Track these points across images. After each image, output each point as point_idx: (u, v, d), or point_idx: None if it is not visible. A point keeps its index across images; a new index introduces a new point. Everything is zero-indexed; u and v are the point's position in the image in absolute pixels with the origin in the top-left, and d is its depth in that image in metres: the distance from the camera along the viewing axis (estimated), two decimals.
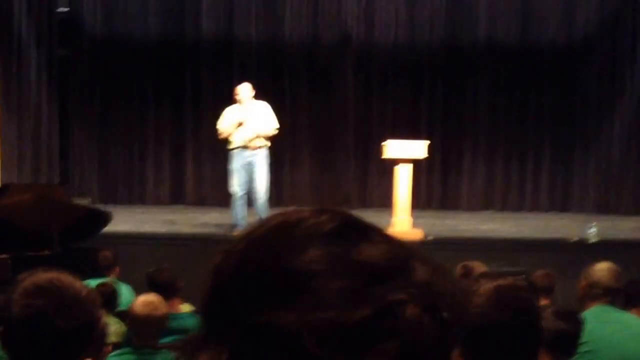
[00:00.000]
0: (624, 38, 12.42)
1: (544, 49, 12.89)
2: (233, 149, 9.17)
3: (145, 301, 3.98)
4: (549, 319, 3.01)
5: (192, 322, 4.54)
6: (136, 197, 12.78)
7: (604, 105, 12.69)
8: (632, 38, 12.27)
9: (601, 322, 3.92)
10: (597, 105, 12.77)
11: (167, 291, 4.82)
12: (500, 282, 2.12)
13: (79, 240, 7.20)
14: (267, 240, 0.81)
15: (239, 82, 12.82)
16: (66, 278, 1.98)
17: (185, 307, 5.25)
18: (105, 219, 7.50)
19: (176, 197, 12.81)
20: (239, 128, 9.02)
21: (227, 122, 9.06)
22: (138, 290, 5.36)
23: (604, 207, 12.46)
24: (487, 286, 2.08)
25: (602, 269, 4.04)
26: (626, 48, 12.37)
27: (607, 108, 12.64)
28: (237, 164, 9.15)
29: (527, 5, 12.94)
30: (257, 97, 12.91)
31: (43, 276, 1.95)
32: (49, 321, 1.85)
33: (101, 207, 8.92)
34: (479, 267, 5.79)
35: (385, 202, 11.43)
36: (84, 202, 9.87)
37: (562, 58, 12.86)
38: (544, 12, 12.92)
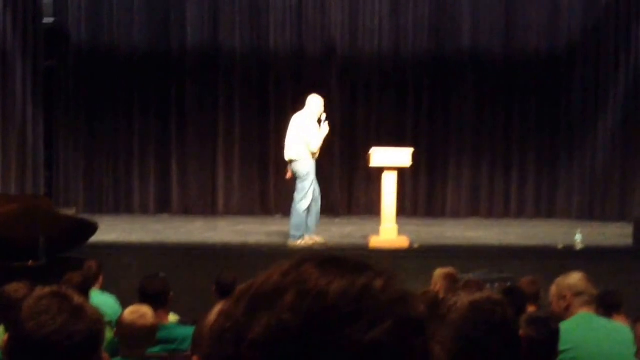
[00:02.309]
0: (606, 47, 12.52)
1: (528, 58, 12.99)
2: (309, 160, 8.90)
3: (134, 311, 3.98)
4: (522, 327, 3.02)
5: (179, 333, 4.53)
6: (122, 207, 12.76)
7: (587, 113, 12.78)
8: (615, 47, 12.36)
9: (585, 329, 3.96)
10: (581, 113, 12.86)
11: (158, 300, 4.80)
12: (476, 296, 2.12)
13: (65, 251, 7.18)
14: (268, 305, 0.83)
15: (224, 93, 12.93)
16: (69, 291, 2.01)
17: (172, 317, 5.24)
18: (92, 229, 7.48)
19: (162, 207, 12.80)
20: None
21: (319, 135, 8.83)
22: (124, 300, 5.35)
23: (588, 214, 12.54)
24: (463, 301, 2.08)
25: (578, 278, 4.10)
26: (609, 57, 12.46)
27: (591, 116, 12.73)
28: (313, 174, 8.96)
29: (510, 14, 13.04)
30: (241, 107, 12.98)
31: (47, 290, 1.98)
32: (58, 335, 1.87)
33: (87, 217, 8.90)
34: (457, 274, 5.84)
35: (371, 210, 11.47)
36: (69, 212, 9.84)
37: (545, 67, 12.95)
38: (528, 21, 13.02)
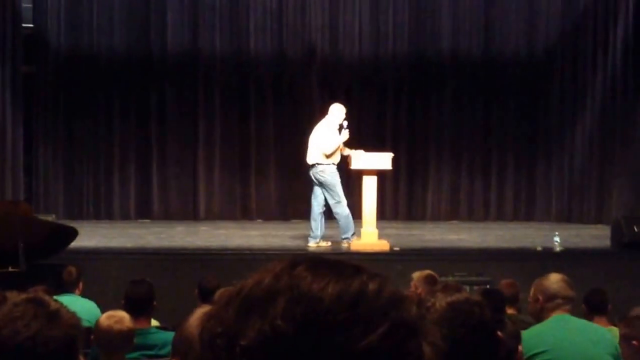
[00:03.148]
0: (584, 50, 12.62)
1: (507, 61, 13.08)
2: (336, 164, 9.10)
3: (111, 315, 3.98)
4: None
5: (158, 338, 4.52)
6: (102, 213, 12.72)
7: (565, 117, 12.88)
8: (593, 50, 12.47)
9: (562, 330, 3.99)
10: (559, 117, 12.97)
11: (143, 306, 4.79)
12: (455, 297, 2.13)
13: (45, 257, 7.16)
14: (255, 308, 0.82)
15: (205, 97, 12.92)
16: (45, 297, 2.00)
17: (152, 323, 5.24)
18: (71, 234, 7.46)
19: (142, 212, 12.77)
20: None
21: (335, 140, 9.00)
22: (104, 306, 5.35)
23: (567, 217, 12.64)
24: (441, 302, 2.09)
25: (556, 280, 4.12)
26: (587, 60, 12.57)
27: (569, 119, 12.83)
28: (338, 177, 9.11)
29: (489, 18, 13.13)
30: (221, 111, 12.97)
31: (23, 296, 1.96)
32: (34, 341, 1.86)
33: (67, 222, 8.87)
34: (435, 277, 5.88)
35: (352, 214, 11.48)
36: (49, 218, 9.80)
37: (524, 70, 13.05)
38: (506, 25, 13.12)
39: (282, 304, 0.80)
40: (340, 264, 0.85)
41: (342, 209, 9.02)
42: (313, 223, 9.18)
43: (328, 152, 8.94)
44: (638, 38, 11.72)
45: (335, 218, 9.18)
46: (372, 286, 0.82)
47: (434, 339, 0.83)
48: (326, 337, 0.78)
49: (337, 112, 9.17)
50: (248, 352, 0.79)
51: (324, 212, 9.16)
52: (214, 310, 0.85)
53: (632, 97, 11.86)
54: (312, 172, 9.11)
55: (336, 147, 8.98)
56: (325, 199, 9.07)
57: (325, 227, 9.29)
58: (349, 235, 9.07)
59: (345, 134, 9.00)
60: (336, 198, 9.00)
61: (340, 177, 9.04)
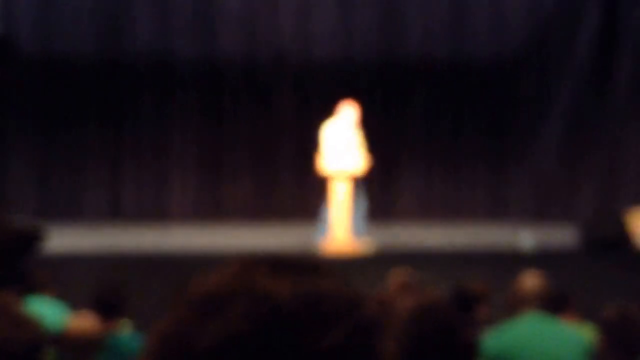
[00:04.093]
0: (552, 52, 12.76)
1: (476, 63, 13.20)
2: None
3: (79, 317, 3.97)
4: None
5: (128, 340, 4.51)
6: (74, 215, 12.64)
7: (534, 116, 13.02)
8: (561, 52, 12.61)
9: (532, 329, 4.04)
10: (529, 117, 13.10)
11: (114, 309, 4.78)
12: (422, 297, 2.16)
13: (14, 260, 7.10)
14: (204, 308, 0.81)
15: (178, 100, 12.89)
16: (9, 302, 1.98)
17: (124, 326, 5.23)
18: (42, 237, 7.42)
19: (115, 215, 12.71)
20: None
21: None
22: (76, 309, 5.33)
23: (537, 216, 12.76)
24: (409, 302, 2.11)
25: (529, 279, 4.17)
26: (555, 62, 12.71)
27: (538, 120, 12.97)
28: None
29: (458, 20, 13.24)
30: (194, 114, 12.95)
31: None
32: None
33: (38, 225, 8.81)
34: (412, 277, 5.92)
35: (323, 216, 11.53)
36: (20, 220, 9.71)
37: (493, 72, 13.17)
38: (475, 27, 13.24)
39: (240, 305, 0.78)
40: (301, 264, 0.84)
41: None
42: (320, 224, 9.21)
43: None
44: (604, 41, 11.86)
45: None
46: (332, 286, 0.81)
47: (395, 337, 0.84)
48: (285, 338, 0.77)
49: (346, 112, 9.37)
50: (206, 355, 0.77)
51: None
52: (173, 312, 0.83)
53: (599, 97, 12.00)
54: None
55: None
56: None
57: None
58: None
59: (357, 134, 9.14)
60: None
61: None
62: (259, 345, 0.76)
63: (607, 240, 8.92)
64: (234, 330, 0.77)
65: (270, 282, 0.80)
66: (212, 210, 12.99)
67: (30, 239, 7.30)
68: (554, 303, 5.15)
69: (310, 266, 0.84)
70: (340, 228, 8.90)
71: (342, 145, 9.04)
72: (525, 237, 8.99)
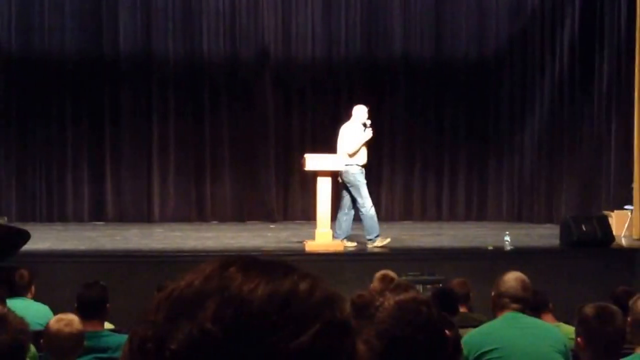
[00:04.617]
0: (532, 53, 12.85)
1: (457, 64, 13.27)
2: (362, 166, 9.14)
3: (60, 319, 3.96)
4: None
5: (112, 341, 4.51)
6: (55, 215, 12.60)
7: (515, 118, 13.11)
8: (540, 53, 12.70)
9: (511, 328, 4.07)
10: (509, 118, 13.19)
11: (96, 309, 4.77)
12: (403, 296, 2.17)
13: None
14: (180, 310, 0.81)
15: (158, 99, 12.86)
16: None
17: (106, 326, 5.22)
18: (23, 237, 7.38)
19: (96, 214, 12.67)
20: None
21: (357, 139, 9.07)
22: (58, 310, 5.32)
23: (517, 216, 12.86)
24: (390, 301, 2.13)
25: (511, 279, 4.19)
26: (535, 63, 12.80)
27: (518, 120, 13.06)
28: (363, 180, 9.16)
29: (440, 21, 13.31)
30: (175, 113, 12.93)
31: None
32: None
33: (19, 225, 8.78)
34: (394, 276, 5.96)
35: (307, 215, 11.56)
36: (0, 220, 9.67)
37: (474, 72, 13.24)
38: (457, 28, 13.32)
39: (211, 307, 0.78)
40: (272, 264, 0.84)
41: (366, 209, 9.10)
42: (336, 223, 9.25)
43: (351, 151, 9.03)
44: (584, 42, 11.96)
45: (363, 218, 9.19)
46: (303, 286, 0.81)
47: (368, 337, 0.85)
48: (257, 339, 0.77)
49: (359, 113, 9.29)
50: (177, 356, 0.77)
51: (349, 214, 9.22)
52: (145, 313, 0.82)
53: (579, 99, 12.10)
54: (341, 176, 9.17)
55: (359, 145, 9.07)
56: (352, 200, 9.13)
57: (352, 228, 9.37)
58: (372, 236, 9.15)
59: (369, 133, 9.12)
60: (362, 200, 9.08)
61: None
62: (229, 346, 0.77)
63: (586, 240, 8.99)
64: (205, 332, 0.77)
65: (242, 282, 0.80)
66: (195, 209, 12.97)
67: (13, 241, 7.27)
68: (534, 303, 5.20)
69: (283, 266, 0.84)
70: (325, 226, 8.92)
71: (357, 144, 9.03)
72: (506, 237, 9.04)
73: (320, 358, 0.79)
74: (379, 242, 9.14)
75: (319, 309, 0.80)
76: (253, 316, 0.78)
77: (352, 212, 9.28)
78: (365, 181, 9.18)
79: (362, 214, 9.17)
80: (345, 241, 9.21)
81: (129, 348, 0.82)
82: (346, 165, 9.04)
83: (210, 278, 0.81)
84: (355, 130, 9.16)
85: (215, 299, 0.79)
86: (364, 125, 9.17)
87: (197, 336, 0.77)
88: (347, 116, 13.14)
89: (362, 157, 9.15)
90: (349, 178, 9.11)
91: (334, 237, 9.12)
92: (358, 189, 9.11)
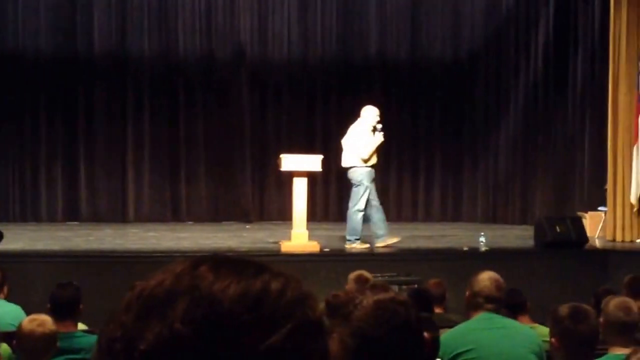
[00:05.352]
0: (507, 54, 12.93)
1: (433, 64, 13.32)
2: (371, 166, 9.07)
3: (32, 319, 3.93)
4: None
5: (84, 342, 4.47)
6: (28, 215, 12.49)
7: (490, 118, 13.18)
8: (515, 53, 12.78)
9: (485, 328, 4.07)
10: (484, 118, 13.25)
11: (69, 309, 4.73)
12: (380, 296, 2.17)
13: None
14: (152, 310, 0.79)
15: (133, 98, 12.79)
16: None
17: (79, 327, 5.18)
18: None
19: (70, 214, 12.58)
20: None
21: (370, 143, 8.99)
22: (31, 310, 5.27)
23: (492, 217, 12.92)
24: (367, 301, 2.13)
25: (484, 278, 4.19)
26: (509, 64, 12.87)
27: (493, 121, 13.13)
28: (371, 180, 9.05)
29: (415, 22, 13.35)
30: (150, 112, 12.87)
31: None
32: None
33: None
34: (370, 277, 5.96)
35: (283, 215, 11.54)
36: None
37: (449, 73, 13.30)
38: (432, 28, 13.37)
39: (182, 306, 0.77)
40: (244, 263, 0.83)
41: (355, 211, 9.03)
42: (371, 226, 9.17)
43: (366, 157, 8.97)
44: (558, 44, 12.04)
45: (350, 218, 9.14)
46: (275, 285, 0.80)
47: (342, 336, 0.85)
48: (228, 339, 0.76)
49: (369, 113, 9.21)
50: (147, 356, 0.76)
51: (378, 208, 9.14)
52: (115, 312, 0.81)
53: (553, 101, 12.18)
54: (347, 175, 9.12)
55: (373, 150, 9.01)
56: (367, 200, 9.03)
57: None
58: (352, 239, 9.09)
59: (380, 136, 9.05)
60: (355, 200, 9.02)
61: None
62: (199, 346, 0.76)
63: (560, 241, 9.04)
64: (175, 332, 0.76)
65: (213, 282, 0.79)
66: (170, 209, 12.92)
67: None
68: (512, 303, 5.22)
69: (255, 266, 0.83)
70: (300, 227, 8.91)
71: (371, 150, 8.99)
72: (481, 238, 9.08)
73: (292, 358, 0.78)
74: (357, 247, 9.05)
75: (290, 309, 0.80)
76: (224, 316, 0.77)
77: (376, 204, 9.15)
78: (371, 184, 9.07)
79: (351, 214, 9.10)
80: (385, 239, 9.13)
81: (97, 349, 0.81)
82: (355, 167, 8.99)
83: (180, 277, 0.80)
84: (365, 133, 9.06)
85: (185, 299, 0.78)
86: (374, 128, 9.07)
87: (167, 336, 0.76)
88: (323, 115, 13.24)
89: (373, 158, 9.11)
90: (353, 176, 9.05)
91: (377, 238, 9.08)
92: (357, 188, 9.05)
